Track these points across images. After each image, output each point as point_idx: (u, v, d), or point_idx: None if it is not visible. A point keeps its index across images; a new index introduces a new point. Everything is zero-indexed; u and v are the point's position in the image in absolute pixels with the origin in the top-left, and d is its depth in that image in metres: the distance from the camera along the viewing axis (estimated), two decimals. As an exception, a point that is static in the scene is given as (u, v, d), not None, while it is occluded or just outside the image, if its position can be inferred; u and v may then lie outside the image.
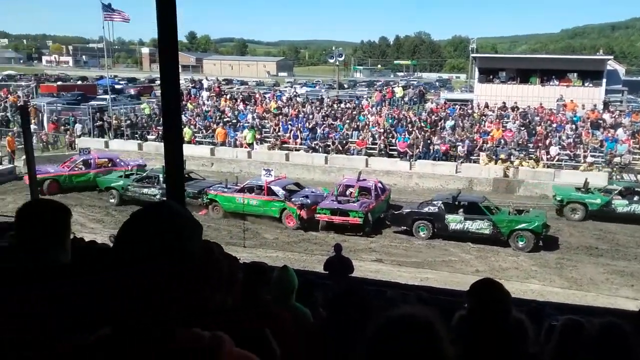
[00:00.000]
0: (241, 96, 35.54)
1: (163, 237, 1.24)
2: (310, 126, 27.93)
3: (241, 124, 28.99)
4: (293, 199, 17.53)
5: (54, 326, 1.83)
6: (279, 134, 27.67)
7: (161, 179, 18.70)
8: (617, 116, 28.08)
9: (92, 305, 1.29)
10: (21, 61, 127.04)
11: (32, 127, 26.64)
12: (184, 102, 32.17)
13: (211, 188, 18.90)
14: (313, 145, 26.38)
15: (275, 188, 17.89)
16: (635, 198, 17.99)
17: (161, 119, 24.59)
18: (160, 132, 26.69)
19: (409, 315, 1.36)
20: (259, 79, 79.72)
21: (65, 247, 2.13)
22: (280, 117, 29.77)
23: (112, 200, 20.03)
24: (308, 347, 3.39)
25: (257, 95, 36.09)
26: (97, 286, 1.25)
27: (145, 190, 19.51)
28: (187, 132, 26.47)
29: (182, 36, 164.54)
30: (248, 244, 15.58)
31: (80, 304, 1.79)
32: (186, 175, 19.13)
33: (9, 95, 35.90)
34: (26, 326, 1.90)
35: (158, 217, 1.29)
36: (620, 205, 18.03)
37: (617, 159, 22.88)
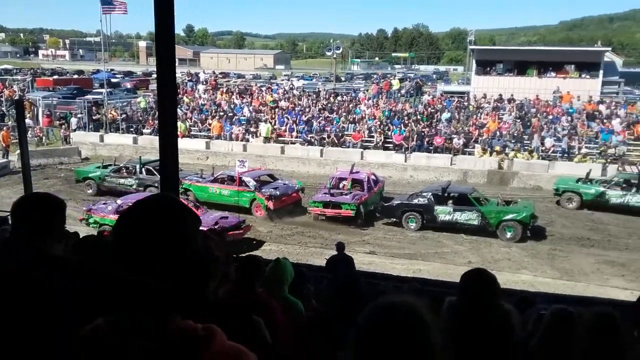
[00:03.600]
0: (237, 89, 35.44)
1: (167, 231, 1.25)
2: (306, 119, 27.93)
3: (237, 117, 28.98)
4: (263, 190, 17.72)
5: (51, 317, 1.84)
6: (275, 127, 27.66)
7: (138, 170, 19.65)
8: (613, 108, 28.08)
9: (87, 297, 1.30)
10: (18, 55, 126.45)
11: (27, 121, 26.66)
12: (180, 96, 32.10)
13: (186, 178, 19.09)
14: (309, 138, 26.39)
15: (247, 179, 18.14)
16: (632, 190, 18.13)
17: (157, 112, 24.59)
18: (156, 126, 26.68)
19: (397, 303, 1.38)
20: (256, 72, 79.52)
21: (58, 239, 2.17)
22: (277, 110, 29.75)
23: (89, 191, 20.28)
24: (298, 336, 3.44)
25: (254, 89, 36.04)
26: (93, 278, 1.26)
27: (122, 181, 19.84)
28: (180, 125, 26.45)
29: (179, 29, 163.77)
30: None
31: (75, 296, 1.80)
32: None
33: (5, 90, 35.77)
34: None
35: (161, 211, 1.28)
36: (615, 196, 18.26)
37: (611, 150, 22.91)
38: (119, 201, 15.87)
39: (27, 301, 1.77)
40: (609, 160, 22.34)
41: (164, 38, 3.63)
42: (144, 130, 28.29)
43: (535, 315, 4.23)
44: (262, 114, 29.49)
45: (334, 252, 10.51)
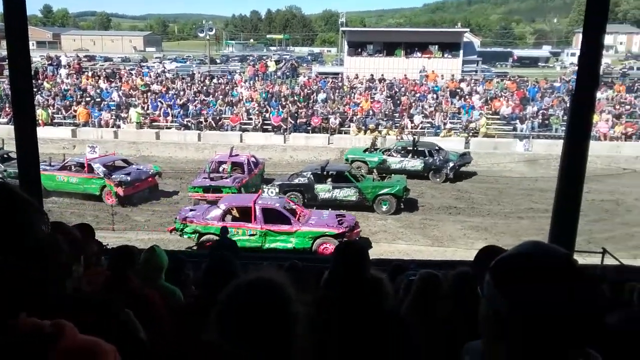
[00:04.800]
0: (104, 73, 33.41)
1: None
2: (181, 103, 27.12)
3: (105, 102, 27.40)
4: (113, 176, 17.24)
5: None
6: (148, 112, 26.58)
7: None
8: (472, 85, 30.31)
9: None
10: None
11: None
12: (40, 81, 29.71)
13: None
14: (185, 122, 25.69)
15: (95, 165, 17.50)
16: (409, 156, 20.53)
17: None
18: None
19: (257, 279, 1.43)
20: (125, 54, 75.43)
21: None
22: (149, 94, 28.54)
23: None
24: (177, 324, 3.37)
25: (123, 72, 34.20)
26: None
27: None
28: (41, 113, 24.52)
29: (35, 10, 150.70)
30: (117, 228, 14.91)
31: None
32: (4, 156, 18.44)
33: None
34: None
35: None
36: (394, 162, 20.55)
37: (472, 125, 24.77)
38: (222, 206, 13.79)
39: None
40: (470, 134, 24.18)
41: (15, 18, 3.35)
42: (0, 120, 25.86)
43: (406, 281, 4.49)
44: (133, 99, 28.16)
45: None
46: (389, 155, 20.74)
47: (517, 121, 25.21)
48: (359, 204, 16.74)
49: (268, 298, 1.39)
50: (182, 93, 28.81)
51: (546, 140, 23.80)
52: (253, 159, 18.92)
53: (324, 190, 16.79)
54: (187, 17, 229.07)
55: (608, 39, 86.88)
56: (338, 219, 13.72)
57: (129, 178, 17.25)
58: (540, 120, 24.96)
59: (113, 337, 1.34)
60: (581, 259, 7.97)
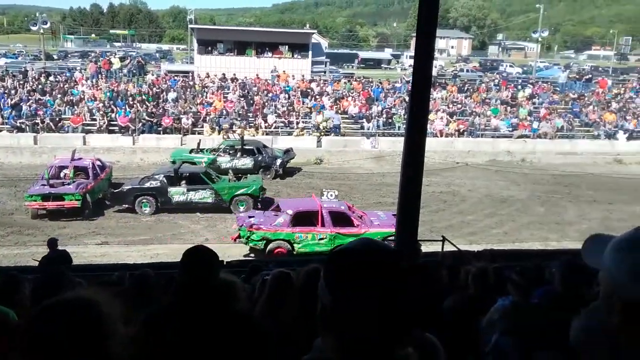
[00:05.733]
0: None
1: None
2: (12, 103, 24.63)
3: None
4: None
5: None
6: (-28, 113, 23.77)
7: None
8: (322, 85, 31.32)
9: None
10: None
11: None
12: None
13: None
14: (18, 124, 23.39)
15: None
16: (238, 155, 20.76)
17: None
18: None
19: (63, 299, 1.37)
20: None
21: None
22: (-27, 93, 25.52)
23: None
24: (13, 348, 3.07)
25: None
26: None
27: None
28: None
29: None
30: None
31: None
32: None
33: None
34: None
35: None
36: (224, 162, 20.60)
37: (324, 124, 25.61)
38: (289, 211, 13.65)
39: None
40: (322, 133, 24.99)
41: None
42: None
43: (261, 281, 4.55)
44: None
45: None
46: (217, 155, 20.54)
47: (364, 120, 26.56)
48: (215, 206, 16.54)
49: (79, 317, 1.32)
50: (13, 92, 26.18)
51: (390, 137, 25.36)
52: (99, 163, 17.81)
53: (178, 194, 16.35)
54: (18, 8, 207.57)
55: (441, 44, 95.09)
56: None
57: None
58: (385, 119, 26.55)
59: None
60: (424, 247, 8.64)
